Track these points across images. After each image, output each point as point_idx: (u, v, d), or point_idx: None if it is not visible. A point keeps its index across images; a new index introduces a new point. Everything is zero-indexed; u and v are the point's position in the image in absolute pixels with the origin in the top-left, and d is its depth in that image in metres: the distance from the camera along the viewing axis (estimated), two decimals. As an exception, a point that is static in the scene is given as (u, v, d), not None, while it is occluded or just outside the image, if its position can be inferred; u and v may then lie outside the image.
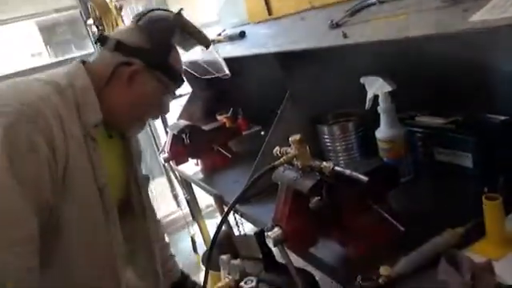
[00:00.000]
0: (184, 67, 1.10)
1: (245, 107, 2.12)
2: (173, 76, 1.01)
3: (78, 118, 0.91)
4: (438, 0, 0.83)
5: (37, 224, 0.84)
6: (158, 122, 2.72)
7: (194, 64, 1.32)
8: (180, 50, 1.08)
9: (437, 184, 1.15)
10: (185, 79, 1.06)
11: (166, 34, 1.00)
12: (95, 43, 1.02)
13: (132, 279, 1.18)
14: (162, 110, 1.08)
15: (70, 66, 0.98)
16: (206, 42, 1.17)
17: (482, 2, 0.77)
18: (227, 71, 1.37)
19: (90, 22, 2.53)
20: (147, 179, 1.28)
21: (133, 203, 1.16)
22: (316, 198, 0.92)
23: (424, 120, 1.22)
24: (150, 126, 2.89)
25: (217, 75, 1.38)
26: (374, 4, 1.04)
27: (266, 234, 0.88)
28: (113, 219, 1.00)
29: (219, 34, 1.93)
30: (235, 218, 1.51)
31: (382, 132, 1.14)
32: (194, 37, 1.12)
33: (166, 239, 1.41)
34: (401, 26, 0.83)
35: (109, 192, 0.97)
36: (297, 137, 0.88)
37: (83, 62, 0.98)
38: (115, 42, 0.96)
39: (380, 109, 1.13)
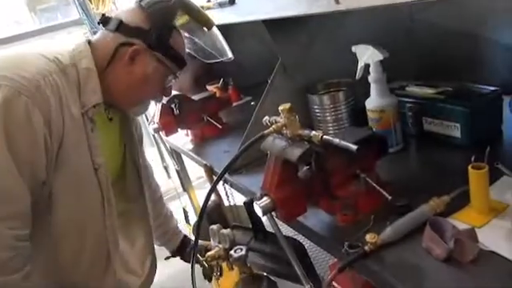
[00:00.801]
0: (187, 50, 1.09)
1: (235, 77, 2.09)
2: (174, 58, 1.00)
3: (78, 98, 0.91)
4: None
5: (29, 198, 0.85)
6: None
7: (196, 47, 1.29)
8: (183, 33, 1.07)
9: (425, 154, 1.16)
10: (187, 61, 1.05)
11: (168, 15, 0.99)
12: (98, 24, 1.00)
13: (126, 252, 1.19)
14: (163, 92, 1.07)
15: (76, 44, 0.97)
16: (208, 24, 1.14)
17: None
18: (230, 55, 1.34)
19: (75, -13, 2.45)
20: (147, 167, 1.33)
21: (128, 185, 1.17)
22: (305, 167, 0.92)
23: (414, 90, 1.21)
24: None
25: (220, 59, 1.35)
26: (367, -31, 1.01)
27: (255, 203, 0.88)
28: (108, 198, 1.00)
29: (208, 1, 1.88)
30: (225, 189, 1.52)
31: (372, 102, 1.14)
32: (197, 19, 1.11)
33: (169, 211, 1.47)
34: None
35: (105, 172, 0.98)
36: (286, 106, 0.88)
37: (89, 42, 0.97)
38: (117, 23, 0.95)
39: (371, 78, 1.12)
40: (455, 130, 1.09)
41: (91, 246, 1.01)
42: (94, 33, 2.69)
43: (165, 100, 1.66)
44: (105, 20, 0.97)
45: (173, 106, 1.65)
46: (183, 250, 1.44)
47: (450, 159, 1.07)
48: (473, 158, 0.81)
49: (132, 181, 1.18)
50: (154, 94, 1.07)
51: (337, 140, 0.82)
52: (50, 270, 0.97)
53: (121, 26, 0.95)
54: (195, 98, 1.73)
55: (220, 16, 1.58)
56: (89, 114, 0.93)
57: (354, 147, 0.79)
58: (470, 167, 0.81)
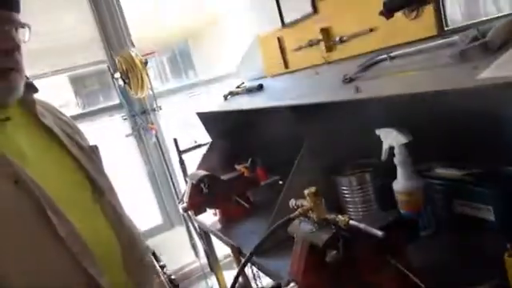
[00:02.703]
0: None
1: (263, 157, 2.14)
2: None
3: None
4: (447, 57, 0.86)
5: None
6: (178, 171, 2.76)
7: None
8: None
9: (458, 238, 1.11)
10: None
11: None
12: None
13: None
14: None
15: None
16: None
17: (491, 58, 0.79)
18: None
19: (117, 75, 2.68)
20: (93, 148, 1.07)
21: (93, 177, 0.97)
22: (333, 252, 0.91)
23: (442, 172, 1.21)
24: (170, 175, 2.95)
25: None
26: (385, 60, 1.08)
27: (282, 289, 0.86)
28: (50, 205, 0.81)
29: (238, 87, 2.01)
30: (252, 271, 1.49)
31: (398, 184, 1.13)
32: None
33: None
34: (411, 82, 0.85)
35: (29, 179, 0.80)
36: (312, 189, 0.89)
37: None
38: None
39: (396, 161, 1.13)
40: (488, 213, 1.06)
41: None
42: (133, 116, 2.90)
43: (195, 180, 1.71)
44: None
45: (202, 185, 1.70)
46: None
47: (484, 244, 1.02)
48: (508, 245, 0.78)
49: (92, 171, 0.98)
50: None
51: (363, 225, 0.81)
52: None
53: None
54: (224, 177, 1.77)
55: (249, 101, 1.68)
56: None
57: (380, 233, 0.78)
58: (506, 256, 0.77)
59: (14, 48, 0.83)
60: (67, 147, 0.94)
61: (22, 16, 0.87)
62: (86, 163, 0.96)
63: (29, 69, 0.92)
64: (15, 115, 0.89)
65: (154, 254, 1.33)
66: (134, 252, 1.00)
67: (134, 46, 2.80)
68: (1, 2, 0.81)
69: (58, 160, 0.93)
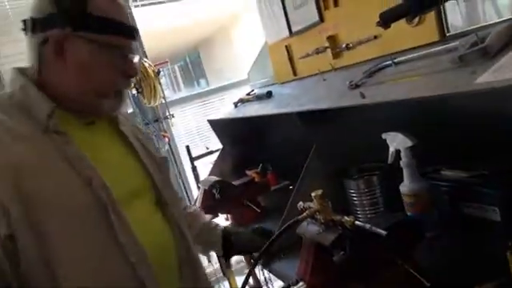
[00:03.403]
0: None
1: (274, 162, 2.18)
2: (104, 28, 0.84)
3: (28, 119, 0.82)
4: (448, 62, 0.89)
5: None
6: (191, 177, 2.81)
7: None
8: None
9: (464, 238, 1.13)
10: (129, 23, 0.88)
11: None
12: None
13: None
14: (122, 73, 0.89)
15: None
16: None
17: (489, 63, 0.82)
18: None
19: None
20: (163, 159, 1.10)
21: (159, 188, 1.00)
22: (340, 252, 0.94)
23: (449, 174, 1.22)
24: (182, 182, 3.00)
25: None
26: (389, 66, 1.11)
27: (291, 288, 0.89)
28: (114, 209, 0.83)
29: (248, 94, 2.05)
30: (263, 274, 1.52)
31: (405, 186, 1.16)
32: None
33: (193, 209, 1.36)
34: (413, 87, 0.88)
35: (101, 183, 0.83)
36: (318, 192, 0.93)
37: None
38: (30, 23, 0.84)
39: (402, 163, 1.15)
40: (494, 214, 1.08)
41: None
42: (146, 124, 2.97)
43: (207, 185, 1.75)
44: (24, 26, 0.85)
45: (214, 190, 1.73)
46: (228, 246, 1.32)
47: (491, 244, 1.04)
48: (510, 243, 0.80)
49: (159, 182, 1.01)
50: (111, 78, 0.88)
51: (367, 225, 0.84)
52: None
53: (34, 25, 0.84)
54: (235, 183, 1.81)
55: (258, 108, 1.72)
56: (50, 127, 0.82)
57: (383, 232, 0.81)
58: (508, 253, 0.79)
59: (136, 73, 0.92)
60: (140, 156, 0.99)
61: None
62: (154, 173, 0.99)
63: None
64: (99, 120, 0.95)
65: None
66: (190, 264, 1.02)
67: (146, 56, 2.88)
68: (131, 33, 0.89)
69: (131, 167, 0.97)
